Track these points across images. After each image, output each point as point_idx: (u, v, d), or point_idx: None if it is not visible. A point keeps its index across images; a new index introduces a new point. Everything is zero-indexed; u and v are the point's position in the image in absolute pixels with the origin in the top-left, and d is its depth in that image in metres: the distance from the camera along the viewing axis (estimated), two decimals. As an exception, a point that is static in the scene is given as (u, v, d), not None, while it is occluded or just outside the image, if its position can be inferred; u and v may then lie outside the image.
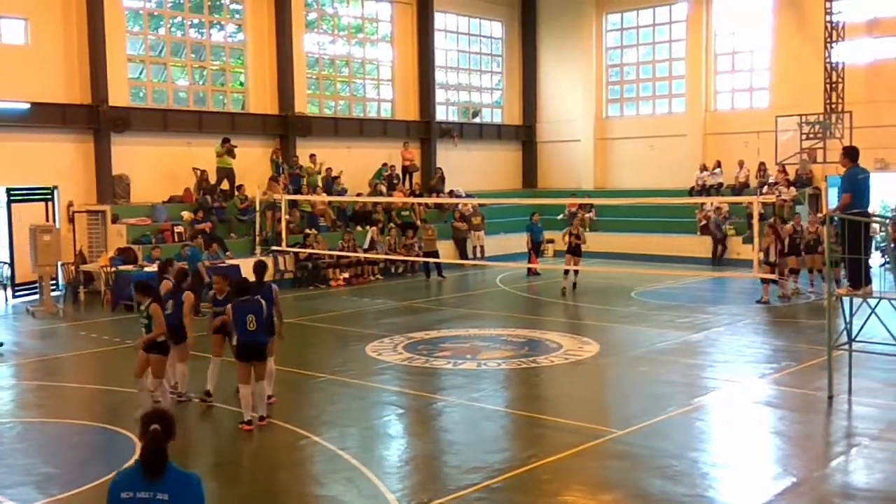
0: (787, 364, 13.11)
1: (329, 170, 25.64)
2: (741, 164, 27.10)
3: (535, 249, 24.59)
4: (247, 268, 20.01)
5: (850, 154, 11.55)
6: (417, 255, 23.33)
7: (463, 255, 26.33)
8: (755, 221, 12.65)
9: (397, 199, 25.62)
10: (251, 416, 9.93)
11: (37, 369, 13.79)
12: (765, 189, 25.67)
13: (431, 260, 23.22)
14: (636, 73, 32.00)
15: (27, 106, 20.53)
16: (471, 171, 30.66)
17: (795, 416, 10.66)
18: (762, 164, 26.56)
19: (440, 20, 30.58)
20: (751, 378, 12.39)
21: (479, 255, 26.75)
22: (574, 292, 20.51)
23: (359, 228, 24.85)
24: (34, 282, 19.92)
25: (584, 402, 11.88)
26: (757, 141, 25.72)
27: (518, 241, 25.58)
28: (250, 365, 9.89)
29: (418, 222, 26.16)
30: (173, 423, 4.39)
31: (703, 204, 26.14)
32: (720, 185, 27.47)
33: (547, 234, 27.97)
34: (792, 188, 25.88)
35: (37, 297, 19.63)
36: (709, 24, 29.42)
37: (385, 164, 27.04)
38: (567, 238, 21.14)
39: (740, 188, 26.77)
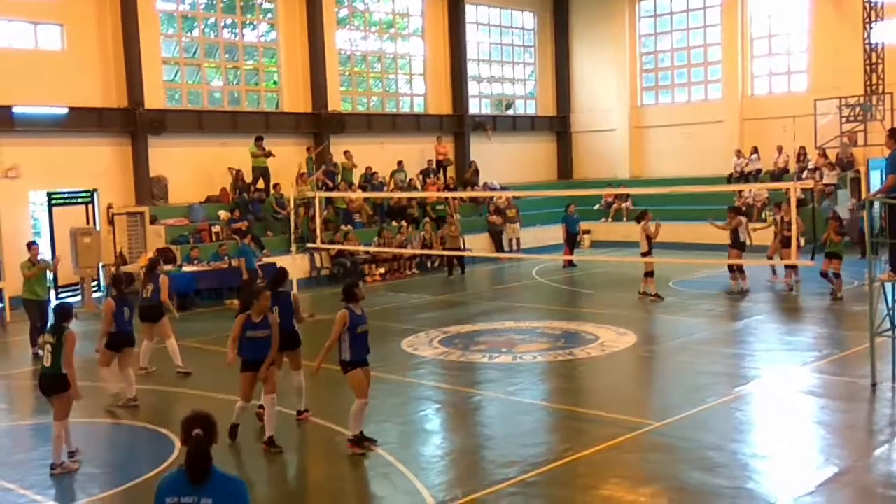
0: (829, 352, 12.88)
1: (369, 168, 25.74)
2: (780, 149, 26.64)
3: (570, 241, 24.44)
4: (283, 265, 20.23)
5: (894, 136, 11.30)
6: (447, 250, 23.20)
7: (498, 249, 26.26)
8: (793, 207, 12.41)
9: (431, 193, 25.61)
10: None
11: (79, 369, 13.90)
12: (805, 174, 25.23)
13: (454, 253, 22.63)
14: (671, 60, 31.63)
15: (65, 111, 20.85)
16: (505, 163, 30.55)
17: (838, 404, 10.47)
18: (802, 148, 26.09)
19: (471, 12, 30.48)
20: (792, 367, 12.18)
21: (514, 247, 26.65)
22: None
23: (394, 223, 24.89)
24: (76, 283, 20.27)
25: (622, 394, 11.77)
26: (793, 126, 25.23)
27: (554, 233, 25.46)
28: (282, 355, 10.03)
29: (454, 215, 26.13)
30: (215, 426, 4.39)
31: (741, 191, 25.76)
32: (758, 171, 27.05)
33: (584, 225, 27.83)
34: (835, 171, 25.41)
35: (79, 298, 19.97)
36: (744, 8, 28.96)
37: (400, 163, 26.92)
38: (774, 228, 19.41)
39: (779, 174, 26.34)
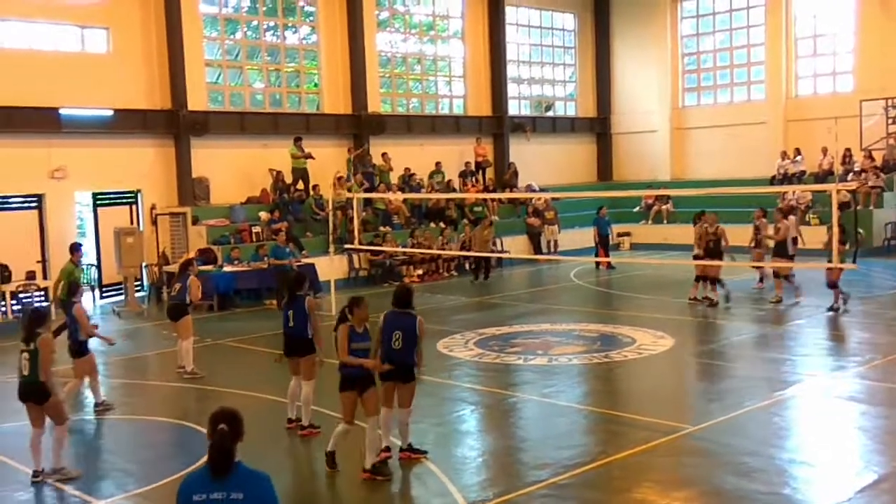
0: (870, 357, 12.66)
1: (407, 169, 25.82)
2: (825, 150, 26.20)
3: (603, 243, 24.23)
4: (321, 266, 20.47)
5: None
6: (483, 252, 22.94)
7: (537, 251, 26.17)
8: (834, 210, 12.22)
9: (470, 194, 25.61)
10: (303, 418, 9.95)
11: (121, 367, 14.26)
12: (850, 176, 24.80)
13: (478, 254, 21.82)
14: (713, 61, 31.30)
15: (110, 113, 21.22)
16: (544, 165, 30.44)
17: (878, 410, 10.29)
18: (847, 150, 25.64)
19: (511, 14, 30.44)
20: (832, 372, 12.01)
21: (553, 249, 26.54)
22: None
23: (432, 225, 24.94)
24: (120, 283, 20.64)
25: (658, 397, 11.67)
26: (836, 127, 24.80)
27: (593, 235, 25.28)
28: (297, 362, 9.96)
29: (493, 217, 26.13)
30: (241, 422, 4.41)
31: (784, 193, 25.39)
32: (802, 172, 26.64)
33: (623, 227, 27.61)
34: (880, 174, 24.95)
35: (122, 297, 20.32)
36: (788, 8, 28.56)
37: (438, 164, 26.91)
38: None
39: (824, 176, 25.91)
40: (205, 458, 4.39)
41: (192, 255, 20.82)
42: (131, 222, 21.63)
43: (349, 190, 22.63)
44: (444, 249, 23.67)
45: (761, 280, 18.91)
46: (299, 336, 9.85)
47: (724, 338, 14.59)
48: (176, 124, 22.23)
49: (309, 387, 9.83)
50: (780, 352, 13.60)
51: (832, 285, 15.80)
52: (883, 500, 7.65)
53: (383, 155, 25.53)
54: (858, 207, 24.21)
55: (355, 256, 22.48)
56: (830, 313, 15.84)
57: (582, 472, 8.34)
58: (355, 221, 18.89)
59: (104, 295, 21.35)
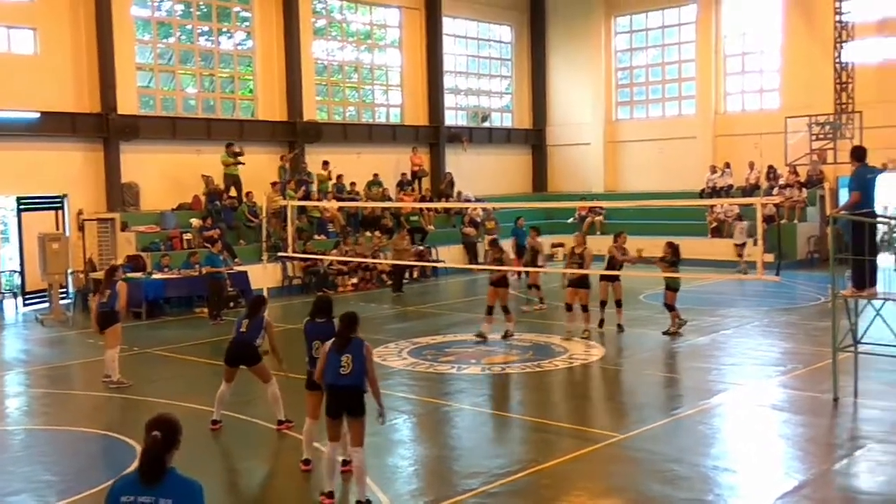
0: (793, 367, 13.01)
1: (340, 176, 25.68)
2: (751, 165, 26.95)
3: (521, 254, 24.33)
4: (254, 274, 20.23)
5: (857, 153, 11.47)
6: (418, 261, 23.01)
7: (473, 260, 26.26)
8: (759, 223, 12.55)
9: (406, 203, 25.61)
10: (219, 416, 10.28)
11: (44, 377, 13.86)
12: (775, 191, 25.52)
13: (391, 263, 21.88)
14: (646, 76, 31.95)
15: (37, 115, 20.68)
16: (481, 175, 30.63)
17: (800, 418, 10.58)
18: (770, 167, 26.41)
19: (448, 25, 30.60)
20: (757, 381, 12.31)
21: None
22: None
23: (367, 234, 24.86)
24: (44, 290, 20.07)
25: (588, 406, 11.85)
26: (761, 142, 25.54)
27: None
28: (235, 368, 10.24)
29: (429, 227, 26.19)
30: (178, 431, 4.39)
31: (713, 206, 26.01)
32: (730, 186, 27.33)
33: (557, 238, 27.88)
34: (804, 189, 25.73)
35: (46, 304, 19.76)
36: (718, 26, 29.33)
37: (376, 175, 26.85)
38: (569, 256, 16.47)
39: (751, 190, 26.62)
40: (134, 467, 4.32)
41: (121, 261, 20.42)
42: (57, 228, 21.05)
43: (284, 197, 22.42)
44: (376, 258, 23.58)
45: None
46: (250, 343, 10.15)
47: (654, 347, 14.85)
48: (105, 128, 21.78)
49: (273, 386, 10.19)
50: (708, 361, 13.89)
51: (669, 307, 15.43)
52: (803, 505, 7.87)
53: (324, 163, 25.34)
54: (783, 221, 24.98)
55: (289, 264, 22.27)
56: (666, 337, 15.31)
57: (512, 481, 8.38)
58: (289, 229, 18.72)
59: (27, 302, 20.74)
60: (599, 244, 26.42)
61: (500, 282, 15.79)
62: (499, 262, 15.97)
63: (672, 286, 15.41)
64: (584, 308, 15.59)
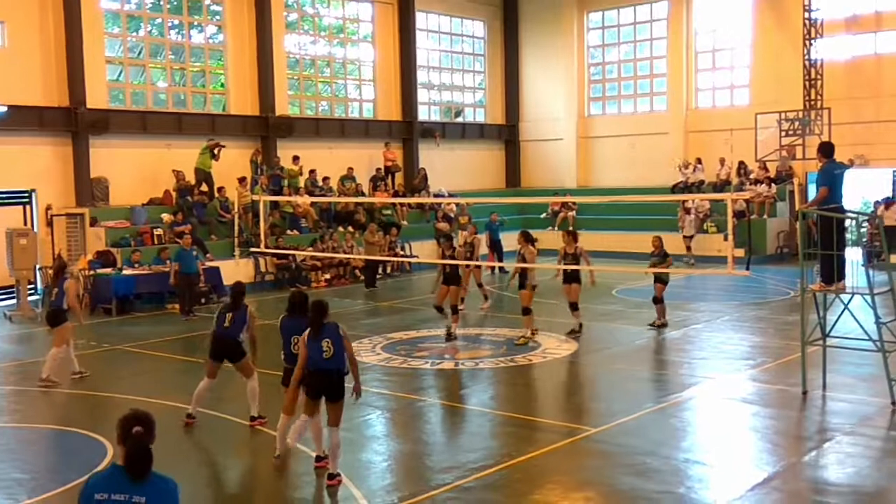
0: (762, 360, 13.17)
1: (313, 171, 25.53)
2: (722, 161, 27.18)
3: (495, 248, 24.40)
4: (226, 270, 20.10)
5: (824, 149, 11.58)
6: (395, 256, 23.04)
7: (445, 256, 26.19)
8: (729, 218, 12.68)
9: (379, 199, 25.56)
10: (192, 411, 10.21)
11: (12, 374, 13.70)
12: (746, 186, 25.78)
13: (363, 257, 21.67)
14: (618, 72, 32.09)
15: (4, 109, 20.36)
16: (454, 170, 30.63)
17: (769, 411, 10.70)
18: (741, 162, 26.65)
19: (421, 20, 30.55)
20: (727, 374, 12.44)
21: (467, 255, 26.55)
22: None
23: (340, 229, 24.79)
24: (12, 286, 19.81)
25: (561, 400, 11.93)
26: (731, 138, 25.78)
27: (505, 241, 25.36)
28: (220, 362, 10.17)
29: (402, 222, 26.15)
30: (154, 425, 4.39)
31: (684, 201, 26.20)
32: (701, 182, 27.57)
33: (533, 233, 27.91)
34: (773, 185, 26.01)
35: (14, 301, 19.51)
36: (689, 22, 29.53)
37: (350, 169, 26.74)
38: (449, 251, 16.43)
39: (722, 185, 26.87)
40: (105, 464, 4.29)
41: (91, 256, 20.22)
42: (25, 223, 20.79)
43: (255, 192, 22.29)
44: (349, 254, 23.50)
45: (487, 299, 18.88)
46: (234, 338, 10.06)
47: (626, 342, 14.96)
48: (74, 122, 21.52)
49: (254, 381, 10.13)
50: (679, 355, 14.03)
51: (657, 300, 15.66)
52: (773, 497, 7.97)
53: (295, 159, 25.21)
54: (753, 216, 25.24)
55: (262, 260, 22.15)
56: (653, 331, 15.52)
57: (485, 475, 8.41)
58: (261, 224, 18.62)
59: (-5, 299, 20.47)
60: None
61: (452, 279, 15.66)
62: (453, 257, 16.00)
63: (662, 279, 15.59)
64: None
